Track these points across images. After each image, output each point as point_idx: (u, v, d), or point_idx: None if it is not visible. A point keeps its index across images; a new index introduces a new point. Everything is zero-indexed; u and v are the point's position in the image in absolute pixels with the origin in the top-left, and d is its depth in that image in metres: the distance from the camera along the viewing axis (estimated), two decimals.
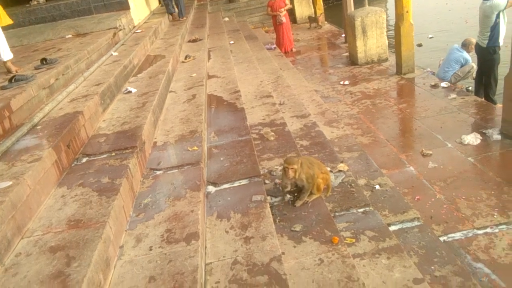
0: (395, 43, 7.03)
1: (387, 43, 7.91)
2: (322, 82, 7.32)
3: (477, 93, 6.04)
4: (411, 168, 4.09)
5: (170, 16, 8.93)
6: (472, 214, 3.27)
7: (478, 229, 3.11)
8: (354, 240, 2.62)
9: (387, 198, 3.31)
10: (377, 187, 3.46)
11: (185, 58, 5.93)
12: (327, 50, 9.77)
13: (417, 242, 2.78)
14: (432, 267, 2.56)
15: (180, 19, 8.97)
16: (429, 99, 5.79)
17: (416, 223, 2.99)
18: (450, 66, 6.54)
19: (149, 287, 1.74)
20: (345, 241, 2.61)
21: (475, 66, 6.32)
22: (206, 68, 5.79)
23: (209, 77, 5.58)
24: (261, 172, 3.27)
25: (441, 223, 3.22)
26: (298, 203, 2.73)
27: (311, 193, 2.77)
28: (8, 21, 4.05)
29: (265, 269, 1.97)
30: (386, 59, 7.86)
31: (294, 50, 9.85)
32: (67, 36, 5.80)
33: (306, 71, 8.08)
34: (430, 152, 4.30)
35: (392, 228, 2.92)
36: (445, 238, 3.06)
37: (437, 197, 3.56)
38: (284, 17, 9.40)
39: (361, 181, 3.58)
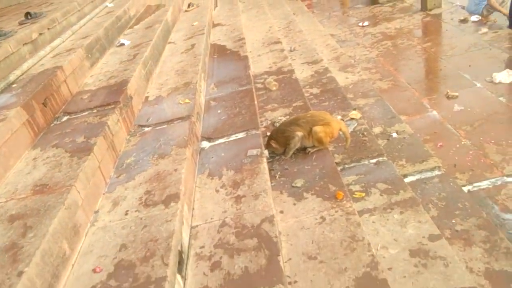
0: None
1: None
2: (339, 25, 6.78)
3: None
4: (434, 112, 3.70)
5: None
6: (502, 160, 2.90)
7: (508, 176, 2.76)
8: (363, 195, 2.36)
9: (404, 146, 2.99)
10: (394, 135, 3.14)
11: (188, 7, 5.54)
12: None
13: (437, 194, 2.49)
14: (453, 221, 2.28)
15: None
16: (457, 35, 5.23)
17: (436, 172, 2.69)
18: None
19: (119, 256, 1.54)
20: (353, 195, 2.35)
21: None
22: (211, 16, 5.39)
23: (214, 25, 5.20)
24: (264, 124, 3.01)
25: (466, 171, 2.88)
26: (287, 155, 2.51)
27: (313, 146, 2.48)
28: None
29: (255, 232, 1.75)
30: None
31: None
32: None
33: (322, 14, 7.50)
34: (456, 93, 3.86)
35: (409, 179, 2.64)
36: (470, 187, 2.73)
37: (463, 143, 3.19)
38: None
39: (376, 129, 3.25)
